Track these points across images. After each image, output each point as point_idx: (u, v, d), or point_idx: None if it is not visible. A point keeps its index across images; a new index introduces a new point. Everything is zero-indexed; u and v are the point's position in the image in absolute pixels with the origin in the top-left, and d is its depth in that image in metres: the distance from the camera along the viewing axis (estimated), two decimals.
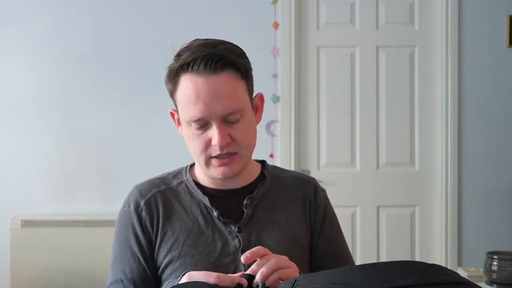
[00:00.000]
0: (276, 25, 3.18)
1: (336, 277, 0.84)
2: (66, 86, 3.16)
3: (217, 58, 1.09)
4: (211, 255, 1.14)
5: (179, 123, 1.20)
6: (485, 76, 3.22)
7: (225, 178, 1.16)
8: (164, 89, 1.18)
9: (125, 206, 1.23)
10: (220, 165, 1.14)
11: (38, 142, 3.15)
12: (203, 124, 1.12)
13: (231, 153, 1.13)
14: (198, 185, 1.22)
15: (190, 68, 1.10)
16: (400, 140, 3.26)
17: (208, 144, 1.13)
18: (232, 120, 1.12)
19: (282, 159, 3.15)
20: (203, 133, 1.12)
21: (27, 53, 3.16)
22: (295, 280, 0.88)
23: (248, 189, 1.22)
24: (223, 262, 1.14)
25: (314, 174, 3.20)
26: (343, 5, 3.26)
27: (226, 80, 1.10)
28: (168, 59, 1.15)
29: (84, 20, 3.17)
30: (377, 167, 3.26)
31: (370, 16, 3.26)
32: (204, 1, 3.18)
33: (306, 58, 3.24)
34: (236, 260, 1.15)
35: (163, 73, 1.16)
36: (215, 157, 1.13)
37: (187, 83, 1.11)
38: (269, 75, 3.16)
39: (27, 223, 2.99)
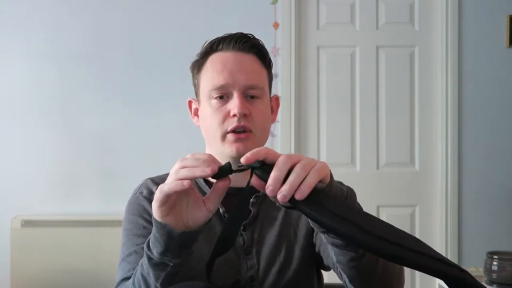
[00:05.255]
0: (276, 25, 3.18)
1: (340, 208, 0.83)
2: (66, 86, 3.16)
3: (246, 39, 1.17)
4: None
5: (195, 114, 1.23)
6: (485, 76, 3.22)
7: (239, 155, 1.14)
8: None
9: (136, 193, 1.23)
10: (235, 141, 1.14)
11: (38, 142, 3.15)
12: (223, 94, 1.15)
13: (246, 130, 1.14)
14: (206, 181, 1.23)
15: (220, 46, 1.16)
16: (400, 140, 3.26)
17: (226, 116, 1.14)
18: (253, 95, 1.16)
19: None
20: (222, 105, 1.15)
21: (27, 53, 3.15)
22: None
23: (255, 188, 1.22)
24: (229, 258, 1.14)
25: None
26: (343, 5, 3.26)
27: (252, 60, 1.17)
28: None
29: (84, 20, 3.16)
30: (377, 167, 3.26)
31: (370, 16, 3.26)
32: (204, 1, 3.18)
33: (306, 58, 3.24)
34: (240, 257, 1.17)
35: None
36: (231, 132, 1.14)
37: (215, 59, 1.17)
38: None
39: (27, 223, 2.99)
